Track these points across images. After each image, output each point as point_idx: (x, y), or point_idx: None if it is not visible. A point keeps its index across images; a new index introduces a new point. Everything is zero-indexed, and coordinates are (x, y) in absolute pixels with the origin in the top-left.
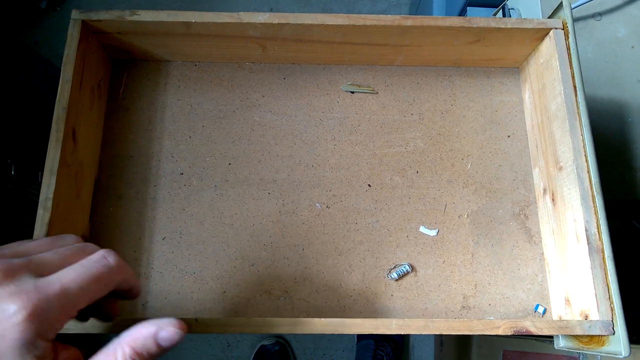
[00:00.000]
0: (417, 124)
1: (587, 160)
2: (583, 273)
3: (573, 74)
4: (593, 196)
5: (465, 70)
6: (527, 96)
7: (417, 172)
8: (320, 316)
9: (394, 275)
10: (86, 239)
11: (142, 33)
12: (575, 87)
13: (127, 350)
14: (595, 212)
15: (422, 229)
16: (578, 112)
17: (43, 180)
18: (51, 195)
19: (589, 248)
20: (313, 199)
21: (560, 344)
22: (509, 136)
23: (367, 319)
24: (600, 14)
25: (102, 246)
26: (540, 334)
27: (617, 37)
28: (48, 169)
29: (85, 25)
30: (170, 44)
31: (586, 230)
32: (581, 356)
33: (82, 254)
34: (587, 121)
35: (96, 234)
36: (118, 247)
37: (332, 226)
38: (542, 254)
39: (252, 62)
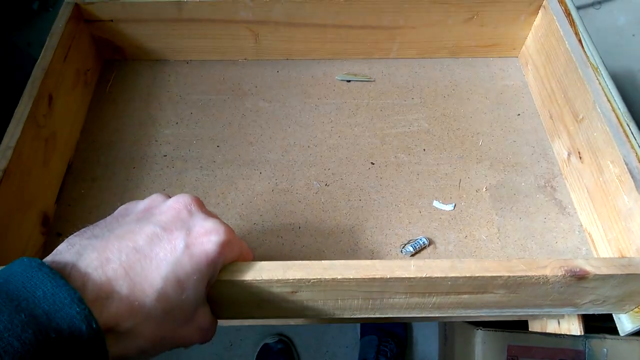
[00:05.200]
0: (419, 106)
1: (608, 97)
2: (636, 216)
3: (577, 30)
4: (623, 127)
5: (464, 60)
6: (530, 76)
7: (424, 149)
8: None
9: (409, 249)
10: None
11: (134, 20)
12: (580, 40)
13: None
14: (630, 144)
15: (436, 204)
16: (589, 60)
17: (8, 128)
18: (13, 144)
19: (635, 182)
20: (310, 178)
21: (626, 328)
22: (518, 114)
23: (377, 260)
24: (599, 2)
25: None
26: (598, 272)
27: (617, 26)
28: (16, 118)
29: (78, 9)
30: (163, 34)
31: (626, 164)
32: (587, 349)
33: None
34: (600, 61)
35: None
36: None
37: (332, 203)
38: (581, 225)
39: (245, 59)
